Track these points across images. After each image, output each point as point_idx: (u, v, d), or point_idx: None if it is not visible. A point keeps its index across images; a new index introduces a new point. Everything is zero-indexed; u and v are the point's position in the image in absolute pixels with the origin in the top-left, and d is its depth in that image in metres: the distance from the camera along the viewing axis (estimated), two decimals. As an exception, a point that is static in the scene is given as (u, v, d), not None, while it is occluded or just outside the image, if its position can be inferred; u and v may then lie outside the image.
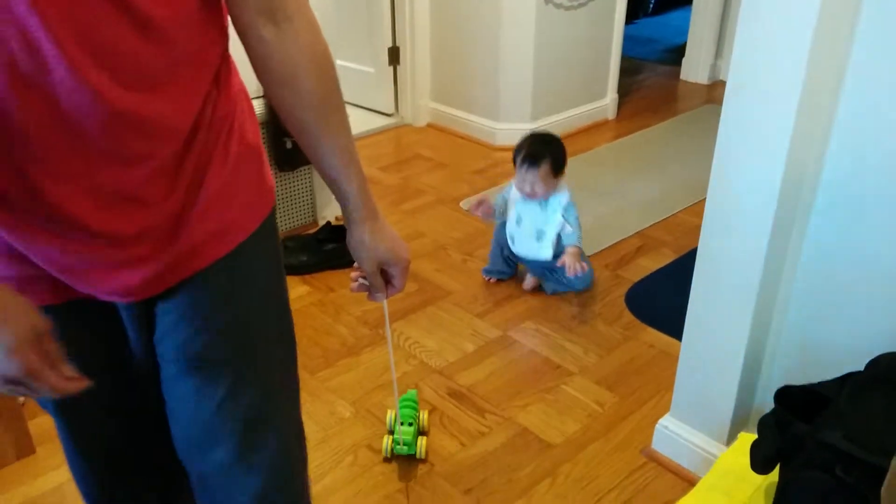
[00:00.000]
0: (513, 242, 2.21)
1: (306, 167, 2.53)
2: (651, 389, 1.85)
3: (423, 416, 1.71)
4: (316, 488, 1.55)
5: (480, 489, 1.57)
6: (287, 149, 2.38)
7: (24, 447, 1.61)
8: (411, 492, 1.56)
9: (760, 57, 1.23)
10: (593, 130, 3.49)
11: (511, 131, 3.27)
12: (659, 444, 1.64)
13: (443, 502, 1.54)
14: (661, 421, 1.64)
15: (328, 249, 2.38)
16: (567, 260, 2.10)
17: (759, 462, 1.18)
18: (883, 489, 0.67)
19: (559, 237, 2.15)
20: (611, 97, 3.56)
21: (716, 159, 1.36)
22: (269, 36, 0.79)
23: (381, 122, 3.49)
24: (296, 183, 2.54)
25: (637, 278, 2.33)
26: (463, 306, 2.20)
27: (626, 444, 1.69)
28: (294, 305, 2.19)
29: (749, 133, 1.28)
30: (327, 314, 2.16)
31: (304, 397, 1.81)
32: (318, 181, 2.57)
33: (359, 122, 3.40)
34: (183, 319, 0.89)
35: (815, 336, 1.38)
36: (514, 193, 2.19)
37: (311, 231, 2.49)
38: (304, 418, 1.71)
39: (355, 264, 1.02)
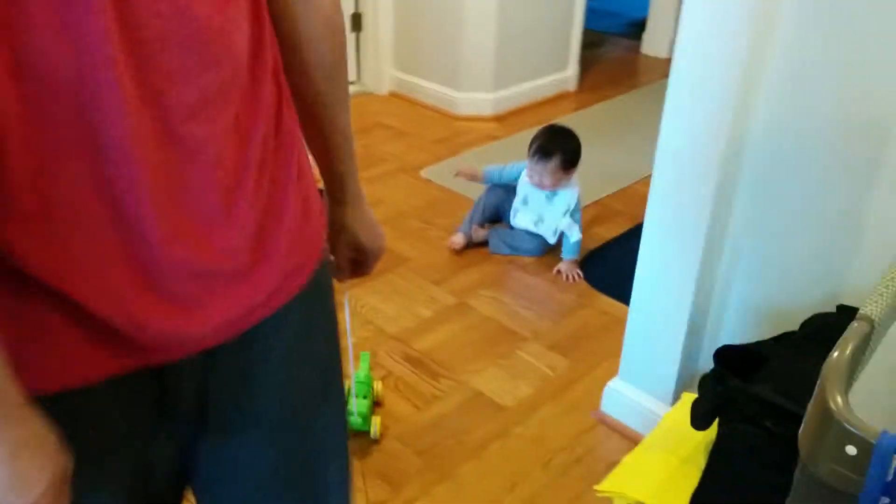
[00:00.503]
0: (514, 216, 2.31)
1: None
2: (603, 354, 1.89)
3: (378, 386, 1.72)
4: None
5: (433, 451, 1.60)
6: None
7: None
8: (365, 452, 1.58)
9: (706, 27, 1.25)
10: (554, 102, 3.50)
11: (472, 101, 3.28)
12: (608, 406, 1.69)
13: (396, 464, 1.56)
14: (609, 383, 1.68)
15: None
16: (564, 268, 2.21)
17: (698, 418, 1.23)
18: (800, 432, 0.70)
19: (562, 237, 2.24)
20: (572, 69, 3.58)
21: (663, 125, 1.38)
22: None
23: (342, 90, 3.46)
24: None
25: (593, 247, 2.36)
26: (420, 273, 2.22)
27: (577, 406, 1.73)
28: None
29: (696, 99, 1.31)
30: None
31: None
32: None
33: (319, 89, 3.36)
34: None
35: (756, 300, 1.43)
36: (524, 176, 2.28)
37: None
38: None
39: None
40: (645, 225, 1.49)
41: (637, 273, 1.54)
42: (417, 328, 1.98)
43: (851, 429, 0.64)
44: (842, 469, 0.66)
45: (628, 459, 1.33)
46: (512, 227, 2.34)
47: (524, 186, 2.29)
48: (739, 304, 1.46)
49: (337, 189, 0.89)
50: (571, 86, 3.61)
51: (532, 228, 2.29)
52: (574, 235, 2.21)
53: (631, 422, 1.64)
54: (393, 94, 3.49)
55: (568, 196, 2.22)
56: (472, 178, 2.43)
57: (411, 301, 2.09)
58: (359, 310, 2.04)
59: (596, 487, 1.27)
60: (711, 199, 1.34)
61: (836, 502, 0.67)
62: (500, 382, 1.80)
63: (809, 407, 0.69)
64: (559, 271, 2.21)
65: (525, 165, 2.29)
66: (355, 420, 1.59)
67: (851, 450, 0.65)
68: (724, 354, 1.22)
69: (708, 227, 1.37)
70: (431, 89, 3.36)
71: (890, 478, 0.63)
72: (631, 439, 1.63)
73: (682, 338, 1.49)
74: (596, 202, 2.62)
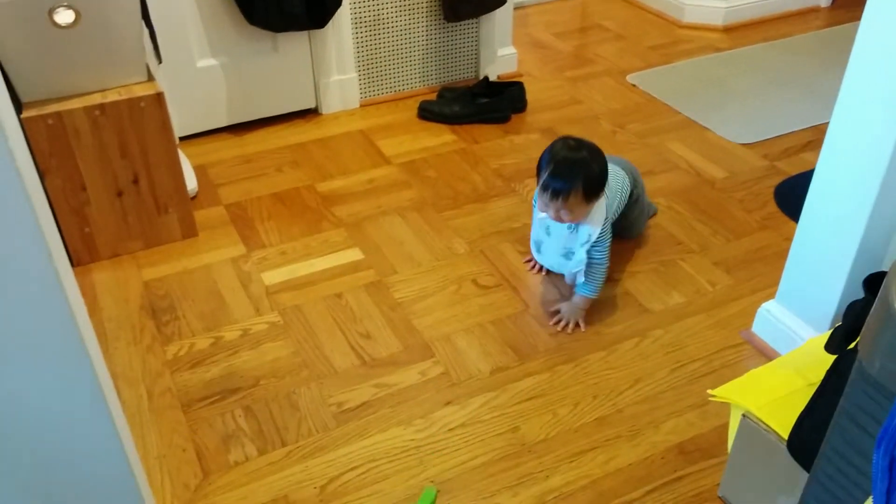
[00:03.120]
0: (538, 250, 1.75)
1: (473, 21, 2.57)
2: (771, 280, 1.77)
3: None
4: (418, 304, 1.71)
5: (568, 336, 1.64)
6: (454, -1, 2.40)
7: (189, 230, 1.92)
8: (501, 325, 1.67)
9: None
10: (800, 17, 3.15)
11: (702, 8, 3.06)
12: (759, 328, 1.60)
13: (528, 339, 1.63)
14: (764, 304, 1.59)
15: (481, 103, 2.44)
16: (565, 309, 1.66)
17: (833, 342, 1.14)
18: (862, 330, 0.65)
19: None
20: (829, -20, 3.17)
21: (856, 44, 1.24)
22: None
23: (566, -12, 3.40)
24: (461, 35, 2.60)
25: (793, 172, 2.17)
26: (600, 174, 2.20)
27: (726, 323, 1.67)
28: (438, 150, 2.33)
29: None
30: (467, 162, 2.26)
31: (427, 230, 1.96)
32: (485, 36, 2.61)
33: (543, -14, 3.33)
34: None
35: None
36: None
37: (469, 85, 2.55)
38: (421, 248, 1.88)
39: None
40: (824, 147, 1.36)
41: (810, 192, 1.42)
42: (582, 224, 1.99)
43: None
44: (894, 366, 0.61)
45: (755, 372, 1.28)
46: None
47: (535, 230, 1.74)
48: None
49: None
50: (824, 1, 3.21)
51: (563, 266, 1.70)
52: (592, 275, 1.63)
53: (780, 346, 1.54)
54: (618, -3, 3.36)
55: (589, 229, 1.62)
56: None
57: (584, 198, 2.10)
58: (529, 199, 2.09)
59: (710, 391, 1.25)
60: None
61: (885, 400, 0.62)
62: (652, 287, 1.78)
63: (874, 307, 0.64)
64: (557, 312, 1.67)
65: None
66: None
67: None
68: (875, 281, 1.11)
69: (891, 154, 1.22)
70: (659, -7, 3.18)
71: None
72: (777, 366, 1.54)
73: (848, 265, 1.36)
74: (814, 127, 2.38)
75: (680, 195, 2.10)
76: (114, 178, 1.76)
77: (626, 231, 1.87)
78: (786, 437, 1.12)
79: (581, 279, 1.65)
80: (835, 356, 1.16)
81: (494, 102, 2.44)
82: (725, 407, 1.38)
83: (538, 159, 1.61)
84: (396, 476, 1.33)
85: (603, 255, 1.63)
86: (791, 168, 2.20)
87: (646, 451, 1.38)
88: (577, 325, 1.65)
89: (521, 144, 2.35)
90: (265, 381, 1.52)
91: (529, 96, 2.54)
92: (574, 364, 1.56)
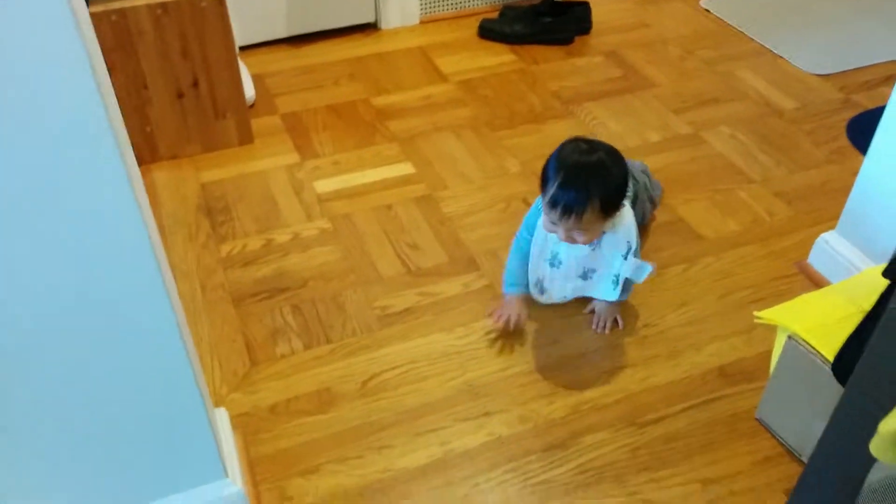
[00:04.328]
0: (540, 291, 1.42)
1: (541, -63, 2.47)
2: (833, 214, 1.70)
3: None
4: (466, 219, 1.71)
5: (615, 257, 1.63)
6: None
7: (246, 136, 1.95)
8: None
9: None
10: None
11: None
12: (815, 259, 1.55)
13: (576, 259, 1.62)
14: (823, 235, 1.53)
15: (544, 23, 2.37)
16: (599, 309, 1.45)
17: (891, 268, 1.10)
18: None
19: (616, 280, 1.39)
20: None
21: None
22: None
23: None
24: (528, -47, 2.51)
25: (871, 106, 2.06)
26: (662, 100, 2.13)
27: (782, 254, 1.62)
28: (497, 70, 2.28)
29: None
30: (525, 83, 2.21)
31: (480, 149, 1.95)
32: (552, -45, 2.51)
33: None
34: None
35: None
36: (542, 225, 1.36)
37: (533, 3, 2.48)
38: (473, 165, 1.86)
39: None
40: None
41: (882, 122, 1.35)
42: (639, 148, 1.94)
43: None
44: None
45: (805, 296, 1.25)
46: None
47: (549, 237, 1.36)
48: None
49: None
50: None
51: (577, 289, 1.42)
52: (641, 276, 1.35)
53: (835, 278, 1.50)
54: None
55: (618, 239, 1.34)
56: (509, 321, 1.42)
57: (643, 124, 2.04)
58: (585, 119, 2.04)
59: (756, 313, 1.22)
60: None
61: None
62: (706, 214, 1.73)
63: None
64: (592, 311, 1.47)
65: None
66: None
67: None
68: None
69: None
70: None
71: None
72: (831, 298, 1.50)
73: (917, 194, 1.30)
74: (897, 59, 2.25)
75: (745, 124, 2.02)
76: (175, 79, 1.79)
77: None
78: (831, 359, 1.10)
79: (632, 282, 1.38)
80: (888, 283, 1.12)
81: (558, 22, 2.37)
82: (771, 334, 1.35)
83: (543, 167, 1.30)
84: (435, 378, 1.36)
85: (639, 256, 1.37)
86: (868, 102, 2.09)
87: (685, 371, 1.37)
88: (615, 322, 1.45)
89: (584, 67, 2.29)
90: (313, 283, 1.55)
91: (595, 17, 2.45)
92: (620, 284, 1.55)
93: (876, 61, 2.26)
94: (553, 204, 1.25)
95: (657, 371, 1.37)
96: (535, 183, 1.82)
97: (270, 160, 1.91)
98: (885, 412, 0.67)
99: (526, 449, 1.24)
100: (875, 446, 0.67)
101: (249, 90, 2.08)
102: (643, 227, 1.61)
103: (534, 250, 1.38)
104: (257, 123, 2.02)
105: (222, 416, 1.17)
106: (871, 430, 0.71)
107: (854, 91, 2.14)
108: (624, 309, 1.49)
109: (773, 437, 1.26)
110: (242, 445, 1.22)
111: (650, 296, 1.52)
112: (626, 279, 1.37)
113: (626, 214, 1.34)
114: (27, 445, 0.92)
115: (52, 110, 0.70)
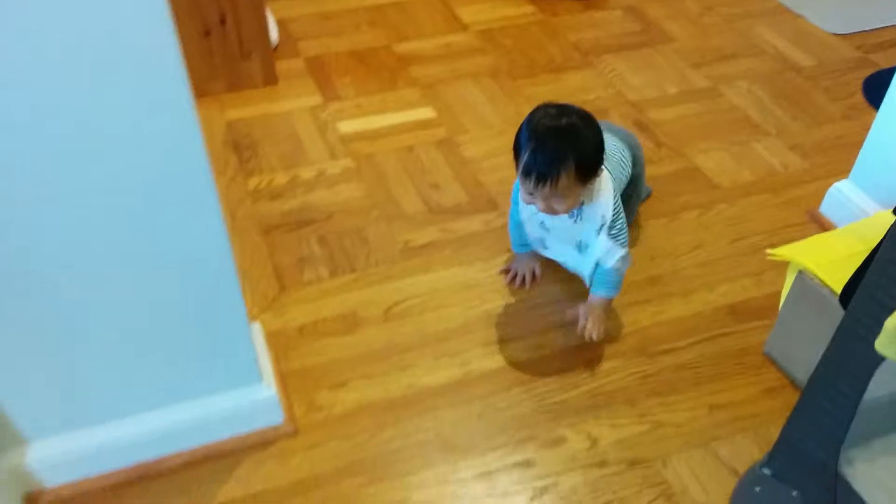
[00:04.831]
0: (543, 246, 1.40)
1: None
2: (846, 167, 1.74)
3: None
4: (485, 162, 1.76)
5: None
6: None
7: (270, 77, 1.98)
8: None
9: None
10: None
11: None
12: (827, 208, 1.60)
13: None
14: (836, 184, 1.57)
15: (565, -24, 2.39)
16: (583, 312, 1.31)
17: (901, 205, 1.14)
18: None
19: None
20: None
21: None
22: None
23: None
24: None
25: (888, 66, 2.08)
26: (682, 55, 2.15)
27: (794, 203, 1.66)
28: (516, 21, 2.30)
29: None
30: (544, 34, 2.24)
31: (500, 96, 1.98)
32: None
33: None
34: None
35: None
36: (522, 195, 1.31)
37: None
38: (493, 111, 1.90)
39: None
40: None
41: (903, 63, 1.38)
42: (657, 100, 1.98)
43: None
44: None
45: (818, 236, 1.29)
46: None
47: (534, 212, 1.31)
48: None
49: None
50: None
51: (580, 262, 1.35)
52: (611, 260, 1.28)
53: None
54: None
55: (598, 207, 1.27)
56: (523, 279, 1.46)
57: (662, 77, 2.07)
58: (604, 72, 2.07)
59: (769, 250, 1.27)
60: None
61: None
62: (722, 164, 1.77)
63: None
64: (576, 315, 1.33)
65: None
66: None
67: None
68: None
69: None
70: None
71: None
72: (840, 245, 1.55)
73: (930, 141, 1.34)
74: (916, 21, 2.26)
75: (762, 79, 2.05)
76: (202, 17, 1.82)
77: None
78: (839, 293, 1.15)
79: (601, 278, 1.31)
80: (900, 221, 1.16)
81: (579, -25, 2.38)
82: (780, 276, 1.40)
83: (515, 137, 1.24)
84: (456, 306, 1.41)
85: (621, 236, 1.28)
86: (885, 62, 2.11)
87: (696, 308, 1.42)
88: (595, 333, 1.29)
89: (602, 20, 2.30)
90: (338, 217, 1.60)
91: (616, -28, 2.47)
92: (636, 227, 1.59)
93: (894, 23, 2.28)
94: (527, 173, 1.19)
95: (669, 308, 1.42)
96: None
97: (294, 101, 1.95)
98: (889, 313, 0.72)
99: (541, 373, 1.30)
100: (880, 343, 0.72)
101: (273, 33, 2.10)
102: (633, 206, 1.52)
103: (524, 218, 1.35)
104: (281, 66, 2.05)
105: (257, 330, 1.23)
106: (874, 336, 0.76)
107: (871, 51, 2.16)
108: (641, 249, 1.54)
109: (780, 370, 1.31)
110: (275, 359, 1.28)
111: (665, 239, 1.57)
112: (602, 267, 1.28)
113: (605, 184, 1.27)
114: (100, 342, 0.98)
115: (125, 33, 0.75)
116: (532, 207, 1.28)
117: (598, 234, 1.28)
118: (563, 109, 1.22)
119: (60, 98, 0.78)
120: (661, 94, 2.00)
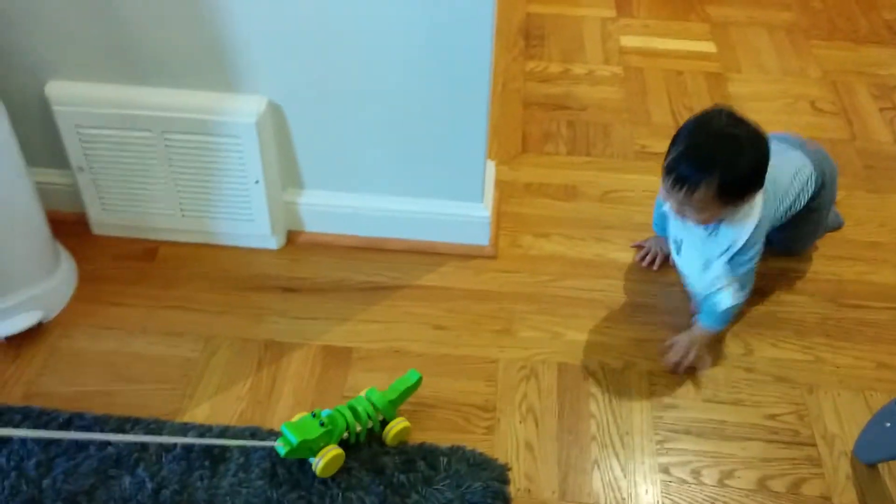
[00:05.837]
0: (678, 251, 1.28)
1: None
2: None
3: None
4: (748, 103, 1.80)
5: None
6: None
7: None
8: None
9: None
10: None
11: None
12: None
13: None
14: None
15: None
16: (685, 342, 1.23)
17: None
18: None
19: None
20: None
21: None
22: None
23: None
24: None
25: None
26: None
27: None
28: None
29: None
30: (859, 5, 2.15)
31: (788, 49, 1.98)
32: None
33: None
34: None
35: None
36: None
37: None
38: (775, 61, 1.91)
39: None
40: None
41: None
42: None
43: None
44: None
45: None
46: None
47: (670, 220, 1.25)
48: None
49: None
50: None
51: (703, 281, 1.23)
52: (725, 299, 1.19)
53: None
54: None
55: (733, 232, 1.17)
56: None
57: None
58: None
59: None
60: None
61: None
62: None
63: None
64: (671, 346, 1.25)
65: None
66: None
67: None
68: None
69: None
70: None
71: None
72: None
73: None
74: None
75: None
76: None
77: (788, 244, 1.39)
78: None
79: (711, 310, 1.22)
80: None
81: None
82: None
83: (678, 128, 1.17)
84: (667, 208, 1.54)
85: (743, 270, 1.19)
86: None
87: (909, 283, 1.39)
88: (691, 366, 1.23)
89: (935, 3, 2.15)
90: (592, 110, 1.78)
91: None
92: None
93: None
94: (669, 170, 1.12)
95: (878, 271, 1.42)
96: (830, 92, 1.84)
97: (589, 10, 2.12)
98: None
99: (724, 284, 1.39)
100: None
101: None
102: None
103: (667, 210, 1.21)
104: None
105: (491, 165, 1.47)
106: None
107: None
108: (870, 218, 1.52)
109: (975, 364, 1.27)
110: (498, 198, 1.52)
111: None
112: (711, 298, 1.20)
113: (753, 211, 1.17)
114: (375, 123, 1.29)
115: None
116: (672, 227, 1.24)
117: (719, 257, 1.18)
118: (737, 122, 1.12)
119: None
120: None
